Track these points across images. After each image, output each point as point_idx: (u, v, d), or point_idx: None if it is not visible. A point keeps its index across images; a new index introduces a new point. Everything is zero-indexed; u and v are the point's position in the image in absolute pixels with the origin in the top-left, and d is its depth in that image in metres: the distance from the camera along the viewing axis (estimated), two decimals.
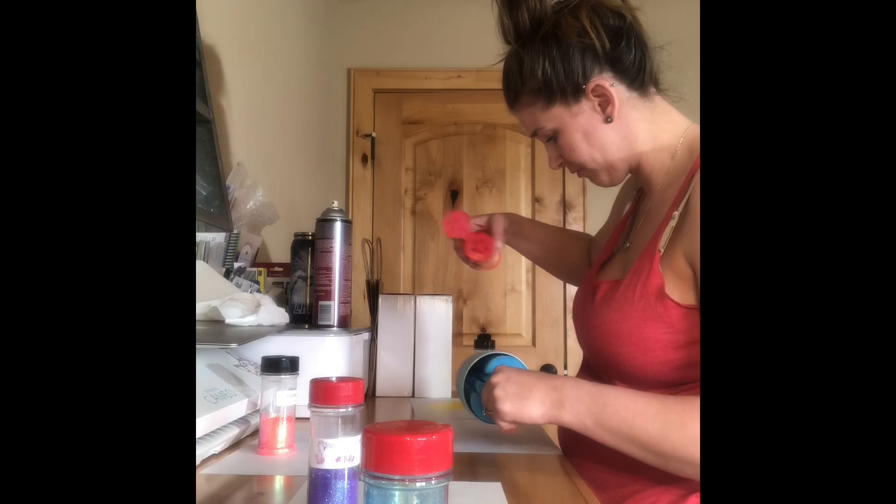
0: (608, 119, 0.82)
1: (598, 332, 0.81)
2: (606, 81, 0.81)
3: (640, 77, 0.82)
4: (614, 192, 1.05)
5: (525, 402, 0.72)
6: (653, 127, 0.84)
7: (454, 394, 1.20)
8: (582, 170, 0.88)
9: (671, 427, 0.66)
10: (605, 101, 0.82)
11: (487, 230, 1.07)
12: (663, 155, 0.84)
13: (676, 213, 0.75)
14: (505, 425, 0.74)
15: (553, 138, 0.86)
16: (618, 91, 0.81)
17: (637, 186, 0.95)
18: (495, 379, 0.75)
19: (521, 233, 1.11)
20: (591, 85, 0.81)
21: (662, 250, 0.76)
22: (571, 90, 0.81)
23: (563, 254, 1.13)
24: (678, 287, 0.74)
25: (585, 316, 0.86)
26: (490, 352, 0.89)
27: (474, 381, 0.86)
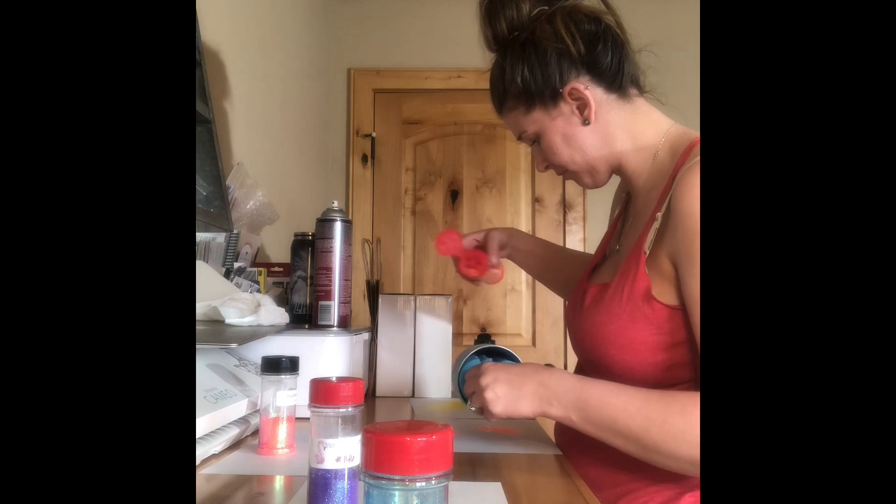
0: (586, 121, 0.84)
1: (587, 335, 0.82)
2: (582, 85, 0.82)
3: (619, 79, 0.83)
4: (613, 193, 1.05)
5: (516, 401, 0.74)
6: (632, 128, 0.85)
7: (454, 393, 1.20)
8: (565, 172, 0.90)
9: (652, 423, 0.68)
10: (582, 104, 0.83)
11: (483, 246, 1.08)
12: (645, 155, 0.85)
13: (659, 215, 0.76)
14: (493, 419, 0.77)
15: (536, 141, 0.88)
16: (595, 94, 0.83)
17: (627, 190, 0.96)
18: (484, 381, 0.76)
19: (520, 247, 1.12)
20: (568, 88, 0.82)
21: (648, 252, 0.77)
22: (549, 94, 0.83)
23: (562, 271, 1.14)
24: (664, 288, 0.75)
25: (576, 320, 0.87)
26: (489, 345, 0.91)
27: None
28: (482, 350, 0.91)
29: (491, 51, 0.89)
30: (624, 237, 0.90)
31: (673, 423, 0.67)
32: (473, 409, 0.79)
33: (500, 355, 0.91)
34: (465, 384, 0.82)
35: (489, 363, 0.81)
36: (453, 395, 1.20)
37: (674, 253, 0.73)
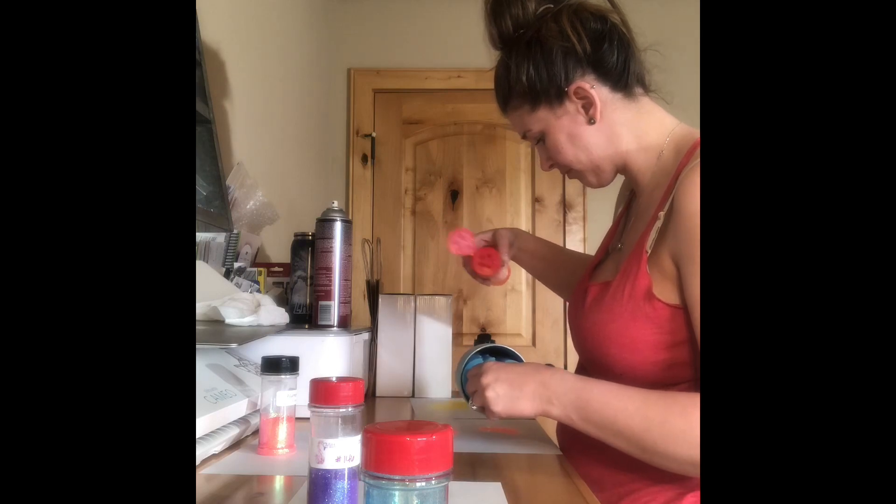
0: (591, 120, 0.83)
1: (588, 333, 0.82)
2: (588, 84, 0.82)
3: (625, 79, 0.83)
4: (614, 192, 1.05)
5: (516, 401, 0.74)
6: (638, 127, 0.85)
7: (454, 394, 1.20)
8: (570, 171, 0.90)
9: (652, 424, 0.68)
10: (587, 103, 0.83)
11: (493, 244, 1.08)
12: (649, 155, 0.85)
13: (662, 214, 0.76)
14: (491, 420, 0.78)
15: (541, 140, 0.88)
16: (600, 93, 0.82)
17: (631, 188, 0.96)
18: (485, 381, 0.76)
19: (525, 247, 1.12)
20: (573, 87, 0.82)
21: (649, 251, 0.76)
22: (555, 93, 0.83)
23: (565, 271, 1.13)
24: (665, 287, 0.75)
25: (577, 319, 0.87)
26: (492, 345, 0.91)
27: None
28: (486, 349, 0.91)
29: (496, 49, 0.89)
30: (626, 236, 0.90)
31: (673, 424, 0.67)
32: (475, 407, 0.79)
33: (504, 354, 0.91)
34: (468, 383, 0.82)
35: (491, 362, 0.81)
36: (453, 396, 1.20)
37: (675, 253, 0.73)
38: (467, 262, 1.08)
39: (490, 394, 0.75)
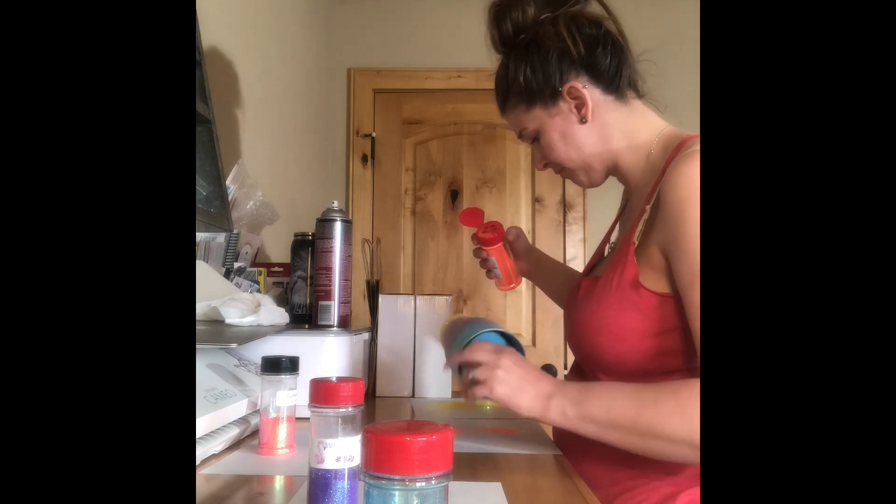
0: (583, 120, 0.87)
1: (580, 325, 0.85)
2: (580, 84, 0.85)
3: (617, 82, 0.87)
4: (614, 192, 1.06)
5: (519, 394, 0.74)
6: (628, 128, 0.88)
7: (454, 394, 1.20)
8: (562, 169, 0.93)
9: (644, 404, 0.69)
10: (580, 103, 0.86)
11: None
12: (639, 154, 0.88)
13: (648, 207, 0.79)
14: (477, 396, 0.75)
15: (536, 139, 0.92)
16: (593, 94, 0.86)
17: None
18: (502, 363, 0.75)
19: (542, 261, 1.18)
20: (567, 87, 0.86)
21: (637, 242, 0.79)
22: (549, 92, 0.87)
23: (566, 278, 1.17)
24: (652, 276, 0.77)
25: (571, 313, 0.90)
26: (504, 330, 0.88)
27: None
28: (501, 332, 0.89)
29: (497, 52, 0.92)
30: (620, 234, 0.93)
31: (665, 403, 0.68)
32: (471, 376, 0.76)
33: (510, 342, 0.89)
34: (475, 351, 0.78)
35: (513, 348, 0.79)
36: (453, 396, 1.20)
37: (664, 243, 0.75)
38: (474, 237, 1.10)
39: (500, 373, 0.74)
